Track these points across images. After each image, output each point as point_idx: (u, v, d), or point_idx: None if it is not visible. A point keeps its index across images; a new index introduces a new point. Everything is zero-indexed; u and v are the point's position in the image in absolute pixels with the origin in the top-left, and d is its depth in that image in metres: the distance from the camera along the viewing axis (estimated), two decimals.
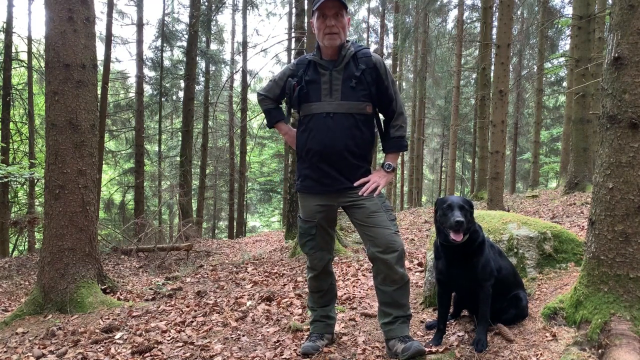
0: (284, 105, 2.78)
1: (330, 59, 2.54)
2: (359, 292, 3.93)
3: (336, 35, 2.47)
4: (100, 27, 15.93)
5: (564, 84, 21.20)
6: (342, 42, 2.51)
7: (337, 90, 2.49)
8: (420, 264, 4.54)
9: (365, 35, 21.39)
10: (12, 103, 12.39)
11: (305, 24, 7.71)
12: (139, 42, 15.13)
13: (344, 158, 2.48)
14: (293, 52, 12.63)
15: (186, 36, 15.44)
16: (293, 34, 10.25)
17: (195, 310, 3.78)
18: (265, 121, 2.81)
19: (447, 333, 2.69)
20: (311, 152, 2.52)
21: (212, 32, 18.41)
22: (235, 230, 18.26)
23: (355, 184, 2.52)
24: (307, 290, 3.90)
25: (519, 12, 18.25)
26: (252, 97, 19.68)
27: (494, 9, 12.72)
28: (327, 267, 2.70)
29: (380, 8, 20.58)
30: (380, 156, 24.58)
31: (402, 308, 2.50)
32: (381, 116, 2.70)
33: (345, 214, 2.66)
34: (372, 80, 2.51)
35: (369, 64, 2.51)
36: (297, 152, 2.65)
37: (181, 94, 17.10)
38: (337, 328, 2.95)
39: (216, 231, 23.34)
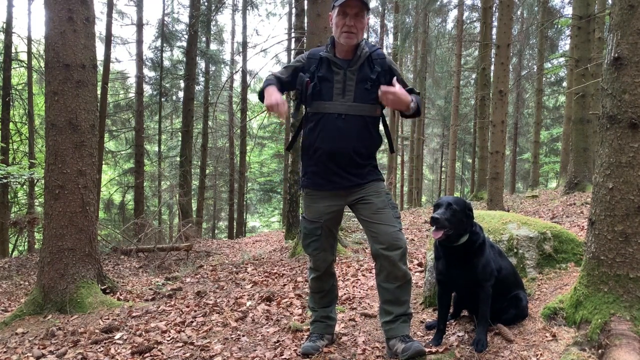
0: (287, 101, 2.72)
1: (344, 57, 2.51)
2: (359, 292, 3.93)
3: (354, 35, 2.44)
4: (100, 27, 15.90)
5: (564, 84, 21.20)
6: (358, 42, 2.49)
7: (351, 91, 2.47)
8: (420, 264, 4.54)
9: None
10: (12, 103, 12.38)
11: (305, 24, 7.71)
12: (139, 42, 15.13)
13: (352, 159, 2.48)
14: (293, 52, 12.63)
15: (186, 36, 15.43)
16: (293, 34, 10.25)
17: (195, 311, 3.78)
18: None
19: (447, 333, 2.69)
20: (320, 151, 2.49)
21: (212, 32, 18.42)
22: (235, 231, 18.25)
23: (382, 87, 2.35)
24: (307, 290, 3.89)
25: (519, 12, 18.26)
26: (252, 97, 19.68)
27: (494, 9, 12.73)
28: (330, 268, 2.69)
29: (380, 8, 20.55)
30: (380, 156, 24.60)
31: (403, 306, 2.50)
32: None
33: (345, 215, 2.65)
34: (387, 83, 2.47)
35: (384, 66, 2.49)
36: (302, 149, 2.62)
37: (181, 94, 17.10)
38: (337, 328, 2.95)
39: (216, 231, 23.33)
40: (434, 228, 2.36)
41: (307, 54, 2.61)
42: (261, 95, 2.52)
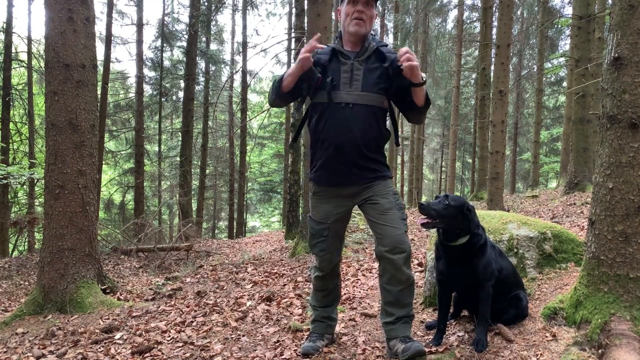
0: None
1: (352, 49, 2.51)
2: (359, 292, 3.93)
3: (363, 22, 2.44)
4: (100, 27, 15.91)
5: (564, 84, 21.20)
6: (367, 33, 2.49)
7: (358, 81, 2.44)
8: (420, 264, 4.54)
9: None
10: (12, 103, 12.39)
11: (305, 24, 7.71)
12: (139, 42, 15.13)
13: (359, 150, 2.43)
14: (293, 52, 12.63)
15: (186, 36, 15.43)
16: (293, 34, 10.25)
17: (195, 311, 3.78)
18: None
19: (447, 333, 2.69)
20: (327, 142, 2.46)
21: (212, 32, 18.43)
22: (235, 230, 18.26)
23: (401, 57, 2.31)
24: (307, 290, 3.90)
25: (519, 12, 18.27)
26: (252, 97, 19.70)
27: (494, 9, 12.73)
28: (335, 270, 2.68)
29: (380, 8, 20.56)
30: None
31: (405, 308, 2.49)
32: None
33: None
34: (395, 77, 2.43)
35: (393, 61, 2.44)
36: (311, 142, 2.59)
37: (181, 94, 17.10)
38: (337, 328, 2.95)
39: (216, 231, 23.34)
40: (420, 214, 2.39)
41: (316, 50, 2.55)
42: (278, 86, 2.50)
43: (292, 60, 14.68)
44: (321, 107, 2.48)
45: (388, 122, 2.63)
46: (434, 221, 2.38)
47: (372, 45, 2.50)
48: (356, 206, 2.61)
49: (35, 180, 11.53)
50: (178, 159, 16.16)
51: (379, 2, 2.51)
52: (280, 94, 2.53)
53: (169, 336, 3.19)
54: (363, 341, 2.75)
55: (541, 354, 2.26)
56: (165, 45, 15.91)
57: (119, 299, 4.51)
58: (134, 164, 15.14)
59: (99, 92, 8.13)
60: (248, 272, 5.58)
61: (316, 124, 2.51)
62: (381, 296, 2.56)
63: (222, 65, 19.00)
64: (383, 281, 2.50)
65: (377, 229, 2.46)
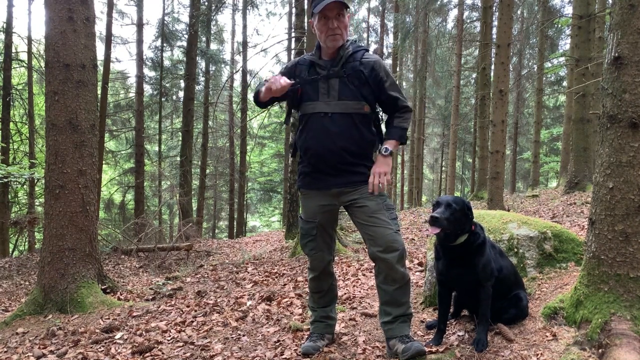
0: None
1: (328, 58, 2.56)
2: (359, 292, 3.93)
3: (339, 35, 2.49)
4: (100, 27, 15.94)
5: (564, 83, 21.18)
6: (344, 41, 2.53)
7: (335, 90, 2.49)
8: (420, 264, 4.54)
9: (365, 35, 21.39)
10: (12, 103, 12.38)
11: (305, 24, 7.71)
12: (139, 42, 15.13)
13: (342, 157, 2.49)
14: (293, 51, 12.63)
15: (186, 36, 15.43)
16: (293, 34, 10.25)
17: (196, 310, 3.78)
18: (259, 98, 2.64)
19: (447, 333, 2.69)
20: (310, 152, 2.53)
21: (212, 32, 18.42)
22: (235, 230, 18.26)
23: (369, 187, 2.47)
24: (307, 290, 3.90)
25: (519, 12, 18.26)
26: (252, 97, 19.61)
27: (494, 8, 12.72)
28: (328, 268, 2.70)
29: (380, 8, 20.57)
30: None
31: (402, 307, 2.51)
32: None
33: (345, 214, 2.66)
34: (371, 81, 2.50)
35: (366, 66, 2.51)
36: (298, 152, 2.66)
37: (181, 94, 17.11)
38: (338, 328, 2.95)
39: (216, 231, 23.34)
40: (430, 225, 2.38)
41: (296, 61, 2.67)
42: (257, 98, 2.62)
43: (293, 59, 14.63)
44: (304, 119, 2.57)
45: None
46: (445, 228, 2.38)
47: (348, 52, 2.53)
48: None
49: (35, 180, 11.54)
50: (178, 158, 16.16)
51: (350, 3, 2.52)
52: (259, 104, 2.70)
53: (169, 336, 3.19)
54: (363, 341, 2.75)
55: (541, 354, 2.26)
56: (165, 45, 15.91)
57: (119, 299, 4.51)
58: (134, 163, 15.14)
59: (99, 92, 8.14)
60: (248, 272, 5.58)
61: (300, 134, 2.60)
62: (378, 296, 2.58)
63: (222, 65, 18.99)
64: (379, 281, 2.53)
65: (368, 230, 2.49)
